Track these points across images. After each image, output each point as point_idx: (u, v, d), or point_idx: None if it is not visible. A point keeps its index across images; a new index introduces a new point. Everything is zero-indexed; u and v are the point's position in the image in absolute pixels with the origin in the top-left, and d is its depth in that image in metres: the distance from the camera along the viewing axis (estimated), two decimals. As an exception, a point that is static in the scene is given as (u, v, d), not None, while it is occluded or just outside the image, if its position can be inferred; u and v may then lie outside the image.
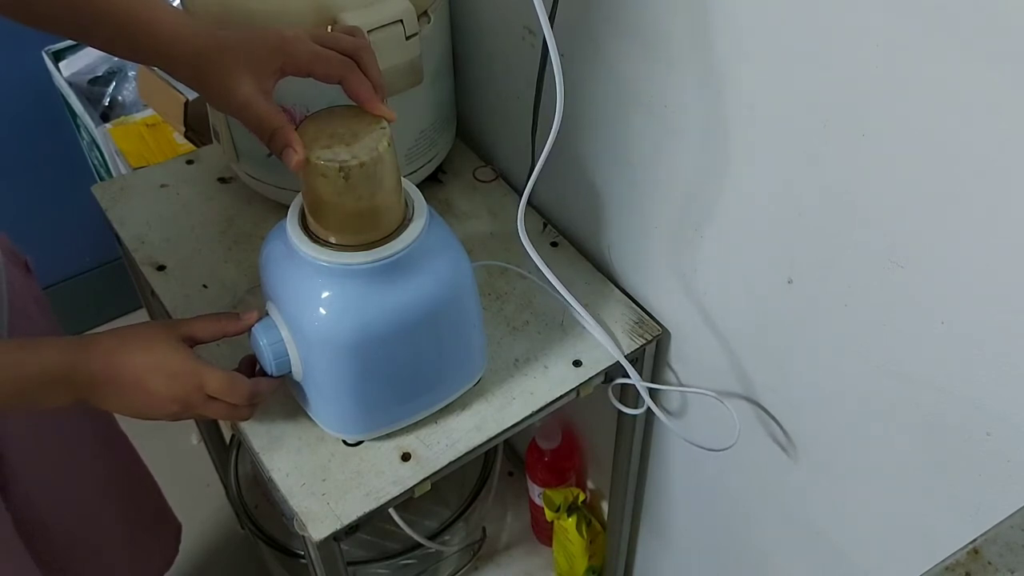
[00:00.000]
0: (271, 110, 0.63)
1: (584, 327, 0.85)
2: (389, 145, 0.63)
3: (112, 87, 1.42)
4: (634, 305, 0.88)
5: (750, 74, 0.63)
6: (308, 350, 0.68)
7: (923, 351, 0.60)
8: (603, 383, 0.85)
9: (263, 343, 0.69)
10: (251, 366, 0.73)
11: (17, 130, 1.48)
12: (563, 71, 0.67)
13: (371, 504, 0.72)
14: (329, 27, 0.74)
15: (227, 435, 1.32)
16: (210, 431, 1.32)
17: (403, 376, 0.72)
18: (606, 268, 0.92)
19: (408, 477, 0.74)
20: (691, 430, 0.91)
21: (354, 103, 0.65)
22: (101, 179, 1.54)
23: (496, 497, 1.27)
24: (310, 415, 0.76)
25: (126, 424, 0.99)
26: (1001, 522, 0.42)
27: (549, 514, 1.23)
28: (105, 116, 1.41)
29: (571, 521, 1.23)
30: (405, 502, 0.74)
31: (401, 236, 0.66)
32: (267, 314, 0.71)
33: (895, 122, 0.54)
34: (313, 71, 0.64)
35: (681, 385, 0.90)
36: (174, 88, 1.27)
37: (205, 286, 0.89)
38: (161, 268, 0.91)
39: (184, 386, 0.65)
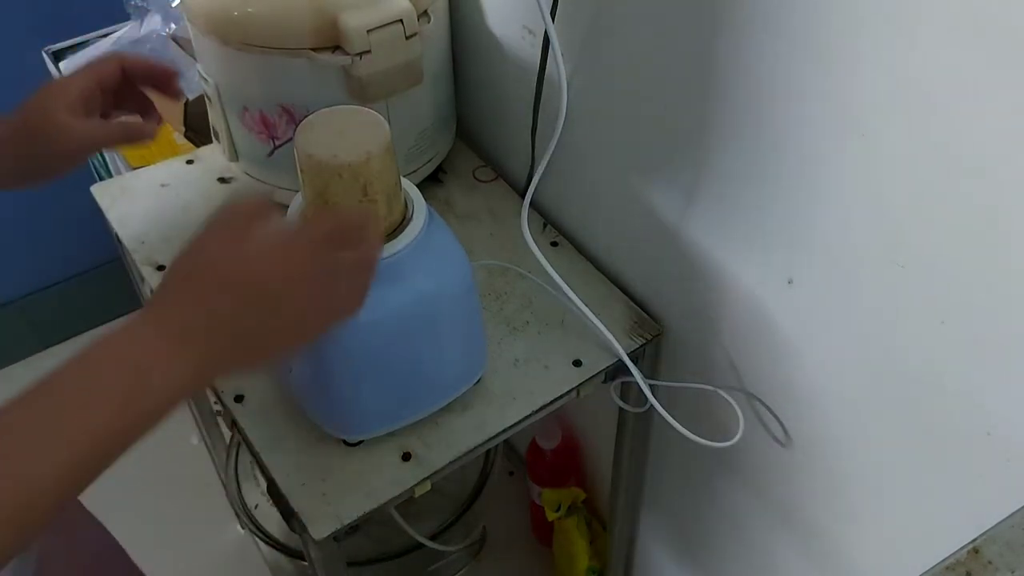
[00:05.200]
0: (105, 124, 0.69)
1: (584, 327, 0.85)
2: (388, 145, 0.63)
3: (112, 87, 1.42)
4: (634, 305, 0.88)
5: (750, 73, 0.63)
6: (307, 350, 0.68)
7: (923, 351, 0.60)
8: (603, 383, 0.85)
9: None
10: None
11: (17, 130, 1.48)
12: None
13: (371, 504, 0.72)
14: None
15: (227, 435, 1.32)
16: (210, 431, 1.32)
17: (403, 376, 0.72)
18: (606, 268, 0.92)
19: (408, 477, 0.74)
20: (692, 428, 0.90)
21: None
22: (101, 179, 1.53)
23: (496, 497, 1.27)
24: (310, 415, 0.76)
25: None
26: (1001, 522, 0.42)
27: (549, 514, 1.23)
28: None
29: (571, 521, 1.23)
30: (405, 502, 0.74)
31: (400, 236, 0.66)
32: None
33: (894, 121, 0.54)
34: (95, 72, 0.69)
35: (681, 384, 0.90)
36: (174, 88, 1.27)
37: (205, 286, 0.88)
38: (161, 268, 0.91)
39: (296, 251, 0.51)
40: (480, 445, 0.76)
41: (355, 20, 0.75)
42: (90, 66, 0.70)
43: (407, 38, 0.78)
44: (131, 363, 0.44)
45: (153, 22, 1.37)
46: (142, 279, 0.92)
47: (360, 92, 0.80)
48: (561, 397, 0.80)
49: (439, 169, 1.00)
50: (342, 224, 0.55)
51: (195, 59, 0.91)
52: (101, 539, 0.85)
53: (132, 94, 0.73)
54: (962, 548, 0.41)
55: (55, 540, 0.73)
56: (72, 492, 0.42)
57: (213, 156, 1.04)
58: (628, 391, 0.89)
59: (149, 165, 1.05)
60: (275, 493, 0.74)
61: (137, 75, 0.72)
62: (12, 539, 0.40)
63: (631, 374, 0.83)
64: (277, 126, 0.85)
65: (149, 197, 0.99)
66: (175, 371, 0.45)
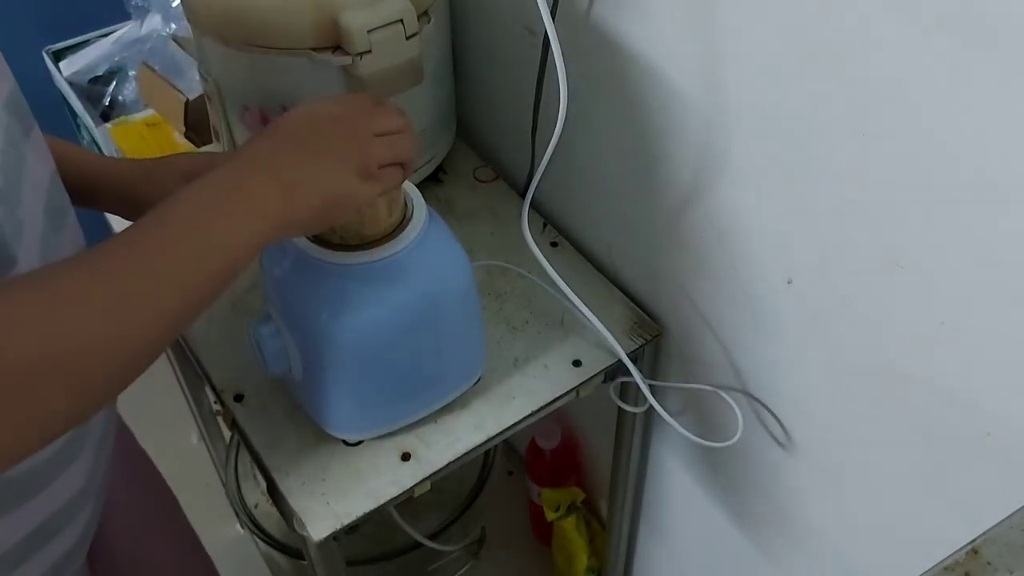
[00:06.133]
0: None
1: (584, 327, 0.85)
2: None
3: (112, 87, 1.42)
4: (634, 305, 0.88)
5: (751, 73, 0.63)
6: (308, 349, 0.68)
7: (923, 351, 0.60)
8: (603, 383, 0.85)
9: (262, 340, 0.69)
10: None
11: (17, 130, 1.47)
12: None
13: (371, 504, 0.72)
14: None
15: (227, 435, 1.32)
16: (210, 431, 1.32)
17: (403, 376, 0.72)
18: (606, 268, 0.92)
19: (408, 477, 0.74)
20: (692, 428, 0.91)
21: None
22: (101, 179, 1.53)
23: (496, 497, 1.27)
24: (310, 415, 0.76)
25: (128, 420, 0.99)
26: (1001, 522, 0.42)
27: (549, 514, 1.23)
28: (105, 116, 1.40)
29: (571, 521, 1.23)
30: (405, 502, 0.74)
31: (400, 236, 0.66)
32: (267, 314, 0.71)
33: (895, 121, 0.54)
34: None
35: (680, 384, 0.90)
36: (175, 88, 1.27)
37: (205, 286, 0.88)
38: (161, 268, 0.90)
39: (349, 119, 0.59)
40: (480, 445, 0.76)
41: (356, 20, 0.75)
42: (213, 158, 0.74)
43: (407, 38, 0.78)
44: (227, 182, 0.53)
45: (154, 22, 1.37)
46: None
47: (360, 92, 0.80)
48: (561, 397, 0.80)
49: (439, 169, 1.00)
50: (383, 104, 0.62)
51: (195, 59, 0.91)
52: (165, 491, 0.88)
53: None
54: (961, 549, 0.41)
55: (121, 483, 0.76)
56: (209, 290, 0.51)
57: (213, 156, 1.04)
58: (628, 391, 0.89)
59: (149, 165, 1.05)
60: (275, 493, 0.74)
61: None
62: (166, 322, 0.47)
63: (631, 374, 0.83)
64: (277, 126, 0.85)
65: (149, 197, 0.98)
66: (261, 189, 0.53)
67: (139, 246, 0.48)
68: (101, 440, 0.62)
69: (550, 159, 0.78)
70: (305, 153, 0.56)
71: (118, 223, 0.95)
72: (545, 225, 0.96)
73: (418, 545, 1.10)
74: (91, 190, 0.70)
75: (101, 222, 0.98)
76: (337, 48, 0.78)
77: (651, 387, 0.84)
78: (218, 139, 0.94)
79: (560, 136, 0.76)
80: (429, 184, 0.99)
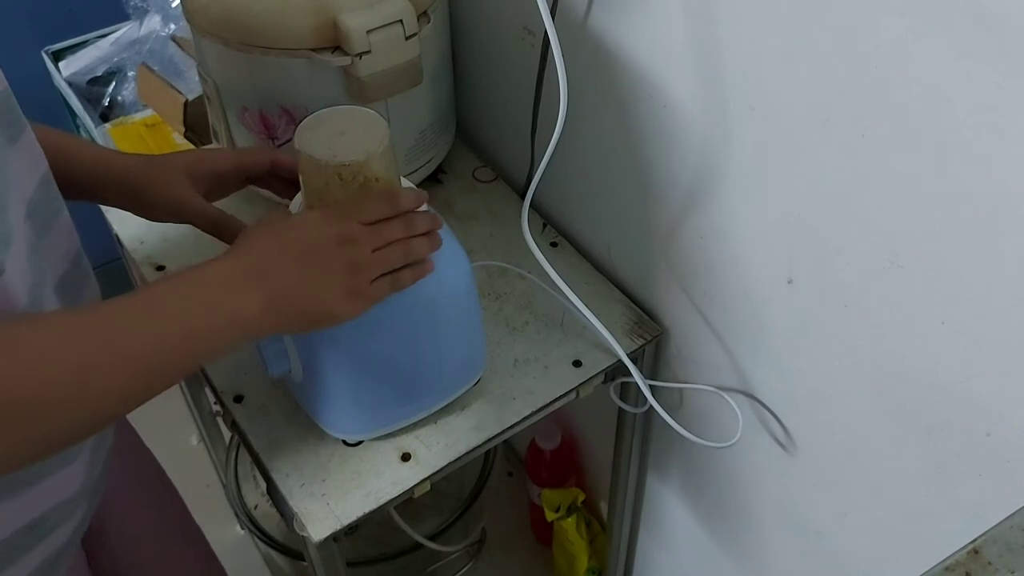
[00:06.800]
0: (206, 205, 0.72)
1: (584, 327, 0.85)
2: (388, 145, 0.63)
3: (112, 87, 1.42)
4: (634, 305, 0.88)
5: (751, 74, 0.63)
6: (307, 350, 0.68)
7: (923, 351, 0.60)
8: (603, 383, 0.85)
9: (263, 342, 0.69)
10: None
11: (17, 130, 1.47)
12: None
13: (371, 504, 0.72)
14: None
15: (227, 435, 1.32)
16: (210, 431, 1.32)
17: (403, 376, 0.72)
18: (606, 268, 0.92)
19: (408, 477, 0.74)
20: (692, 429, 0.91)
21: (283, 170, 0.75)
22: (101, 179, 1.53)
23: (496, 497, 1.27)
24: (310, 415, 0.76)
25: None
26: (1001, 522, 0.42)
27: (549, 515, 1.23)
28: (105, 116, 1.40)
29: (571, 522, 1.23)
30: (405, 502, 0.74)
31: (401, 236, 0.66)
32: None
33: (895, 122, 0.54)
34: (241, 159, 0.75)
35: (681, 384, 0.90)
36: (174, 89, 1.27)
37: (205, 286, 0.88)
38: (161, 268, 0.91)
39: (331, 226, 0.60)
40: (480, 446, 0.76)
41: (355, 20, 0.75)
42: (241, 153, 0.77)
43: (407, 38, 0.78)
44: (211, 282, 0.55)
45: (153, 22, 1.37)
46: (142, 279, 0.92)
47: (360, 92, 0.80)
48: (561, 397, 0.80)
49: (439, 169, 1.00)
50: (395, 210, 0.63)
51: (195, 59, 0.91)
52: (170, 492, 0.88)
53: (276, 180, 0.77)
54: (962, 548, 0.41)
55: (126, 484, 0.77)
56: (165, 371, 0.52)
57: (213, 156, 1.03)
58: (628, 391, 0.89)
59: (149, 165, 1.05)
60: (275, 494, 0.74)
61: (285, 173, 0.76)
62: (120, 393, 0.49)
63: (631, 374, 0.83)
64: (277, 126, 0.85)
65: (149, 197, 0.98)
66: (247, 297, 0.55)
67: (115, 312, 0.51)
68: (97, 444, 0.62)
69: (550, 159, 0.78)
70: (303, 276, 0.58)
71: (118, 222, 0.95)
72: (545, 225, 0.96)
73: (418, 546, 1.10)
74: (93, 184, 0.70)
75: (101, 221, 0.98)
76: (336, 49, 0.78)
77: (651, 387, 0.84)
78: (217, 140, 0.94)
79: (560, 136, 0.76)
80: (428, 184, 0.99)
